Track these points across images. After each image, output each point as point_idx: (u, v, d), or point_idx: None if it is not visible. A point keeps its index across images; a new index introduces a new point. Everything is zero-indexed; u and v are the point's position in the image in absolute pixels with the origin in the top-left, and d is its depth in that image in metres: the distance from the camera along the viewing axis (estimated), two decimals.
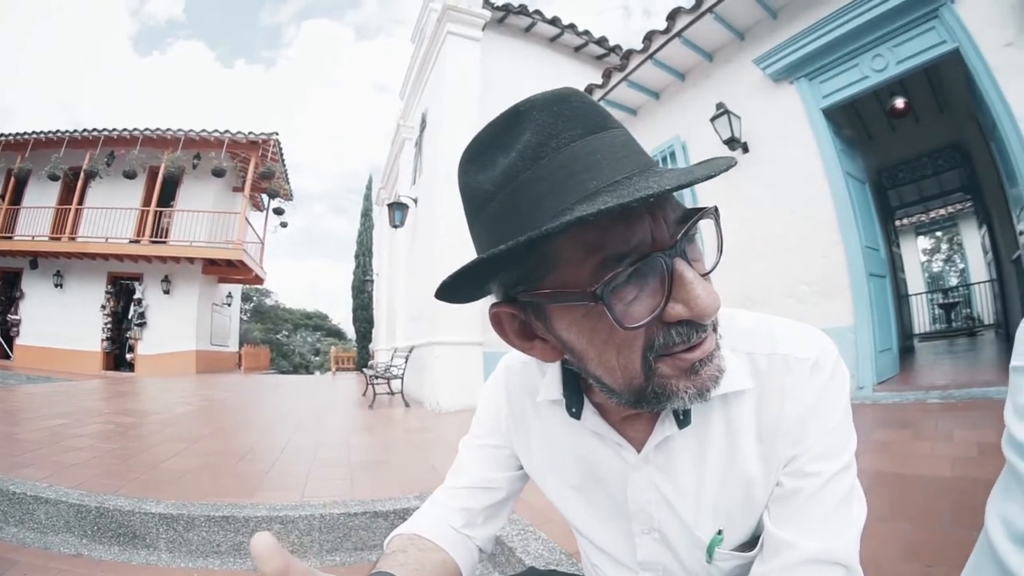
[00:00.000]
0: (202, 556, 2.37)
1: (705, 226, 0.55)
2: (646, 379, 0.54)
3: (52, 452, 3.56)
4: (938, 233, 16.25)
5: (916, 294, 12.01)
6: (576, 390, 0.69)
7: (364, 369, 11.38)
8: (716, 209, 0.54)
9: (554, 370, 0.72)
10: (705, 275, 0.54)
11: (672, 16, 6.03)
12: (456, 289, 0.57)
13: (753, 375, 0.63)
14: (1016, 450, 0.44)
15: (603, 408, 0.68)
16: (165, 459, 3.56)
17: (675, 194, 0.50)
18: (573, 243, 0.50)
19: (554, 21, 9.59)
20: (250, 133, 14.99)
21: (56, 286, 15.13)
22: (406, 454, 4.19)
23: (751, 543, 0.65)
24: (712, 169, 0.48)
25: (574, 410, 0.69)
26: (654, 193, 0.43)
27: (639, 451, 0.67)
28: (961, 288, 14.03)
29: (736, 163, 0.51)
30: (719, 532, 0.65)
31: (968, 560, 0.46)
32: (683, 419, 0.63)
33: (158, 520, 2.41)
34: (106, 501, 2.52)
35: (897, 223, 11.06)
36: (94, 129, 14.53)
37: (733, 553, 0.65)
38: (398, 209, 9.86)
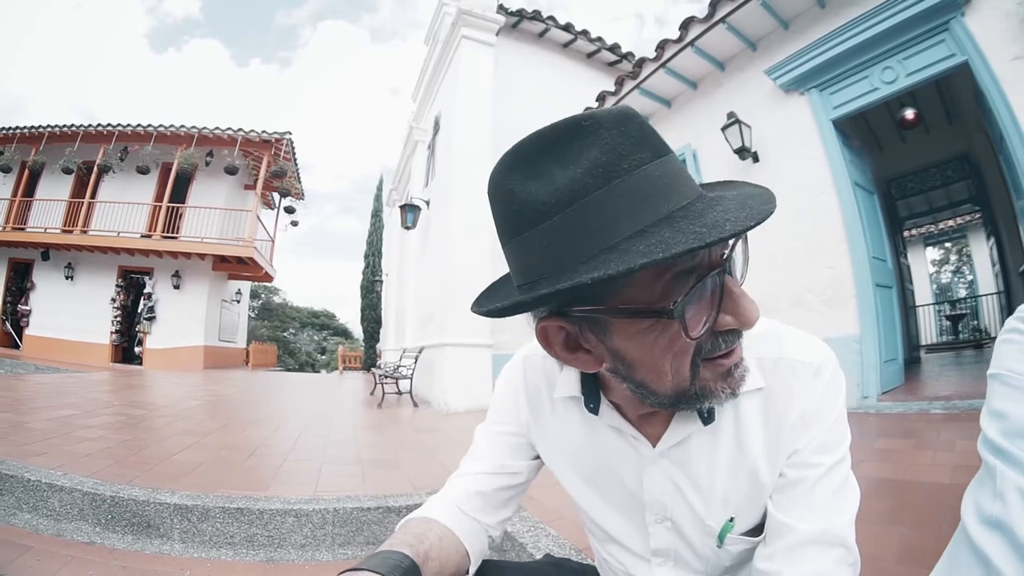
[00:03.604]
0: (215, 547, 2.41)
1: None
2: (692, 382, 0.59)
3: (65, 442, 3.60)
4: (947, 244, 16.19)
5: (923, 305, 11.97)
6: (593, 388, 0.74)
7: (373, 369, 11.46)
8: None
9: (571, 369, 0.75)
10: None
11: (685, 25, 6.06)
12: (513, 310, 0.59)
13: (762, 376, 0.69)
14: (988, 447, 0.50)
15: (620, 406, 0.73)
16: (176, 451, 3.61)
17: None
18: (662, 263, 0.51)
19: (567, 27, 9.65)
20: (263, 132, 15.07)
21: (67, 278, 15.25)
22: (416, 453, 4.23)
23: (757, 529, 0.71)
24: (764, 202, 0.55)
25: (592, 406, 0.74)
26: (739, 231, 0.49)
27: (654, 445, 0.72)
28: (969, 300, 13.98)
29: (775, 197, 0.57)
30: (731, 519, 0.71)
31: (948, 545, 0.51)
32: (708, 417, 0.69)
33: (173, 510, 2.45)
34: (121, 491, 2.56)
35: (906, 234, 11.04)
36: (108, 124, 14.66)
37: (742, 538, 0.71)
38: (410, 211, 9.92)
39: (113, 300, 15.39)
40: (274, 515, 2.48)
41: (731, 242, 0.57)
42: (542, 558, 1.05)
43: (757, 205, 0.54)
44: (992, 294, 11.47)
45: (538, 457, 0.89)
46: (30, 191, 15.29)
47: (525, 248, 0.57)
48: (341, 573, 0.59)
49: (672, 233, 0.50)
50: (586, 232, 0.52)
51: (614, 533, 0.83)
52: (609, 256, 0.50)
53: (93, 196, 14.89)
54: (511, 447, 0.88)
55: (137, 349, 15.39)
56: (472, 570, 0.79)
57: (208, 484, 2.83)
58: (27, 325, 15.26)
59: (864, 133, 7.56)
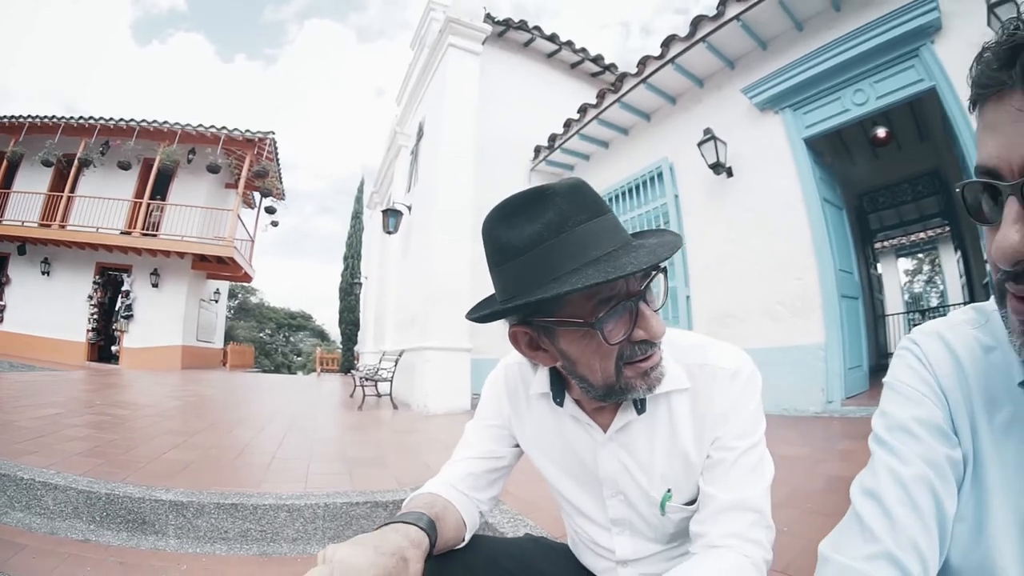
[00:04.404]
0: (209, 542, 2.50)
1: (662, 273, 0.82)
2: (616, 378, 0.80)
3: (54, 440, 3.64)
4: (919, 255, 16.57)
5: (894, 314, 12.27)
6: (560, 387, 0.95)
7: (353, 371, 11.48)
8: (665, 269, 0.81)
9: (543, 371, 0.97)
10: (657, 310, 0.81)
11: (667, 43, 6.24)
12: (491, 318, 0.84)
13: (689, 379, 0.89)
14: (873, 439, 0.67)
15: (579, 401, 0.94)
16: (166, 451, 3.67)
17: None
18: (580, 292, 0.72)
19: (552, 37, 9.79)
20: (246, 131, 14.99)
21: (43, 273, 15.00)
22: (399, 452, 4.33)
23: (694, 501, 0.89)
24: (669, 250, 0.76)
25: (558, 400, 0.95)
26: (637, 270, 0.70)
27: (605, 432, 0.92)
28: (940, 309, 14.32)
29: (681, 243, 0.80)
30: (668, 491, 0.90)
31: None
32: (640, 408, 0.90)
33: (168, 507, 2.53)
34: (116, 488, 2.62)
35: (878, 245, 11.35)
36: (91, 117, 14.43)
37: (681, 507, 0.90)
38: (392, 216, 9.97)
39: (90, 297, 15.16)
40: (267, 510, 2.58)
41: (653, 275, 0.79)
42: (523, 536, 1.24)
43: (662, 252, 0.75)
44: (959, 304, 11.79)
45: (518, 445, 1.09)
46: (7, 183, 14.96)
47: (503, 276, 0.81)
48: (381, 525, 0.77)
49: (594, 271, 0.72)
50: (542, 267, 0.75)
51: (580, 507, 1.02)
52: (553, 285, 0.73)
53: (72, 190, 14.61)
54: (496, 437, 1.08)
55: (114, 348, 15.23)
56: (467, 536, 0.97)
57: (200, 482, 2.91)
58: (1, 321, 14.98)
59: (838, 149, 7.81)
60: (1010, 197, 0.50)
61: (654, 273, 0.79)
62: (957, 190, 0.58)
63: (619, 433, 0.92)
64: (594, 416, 0.94)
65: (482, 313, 0.84)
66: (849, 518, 0.62)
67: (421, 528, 0.78)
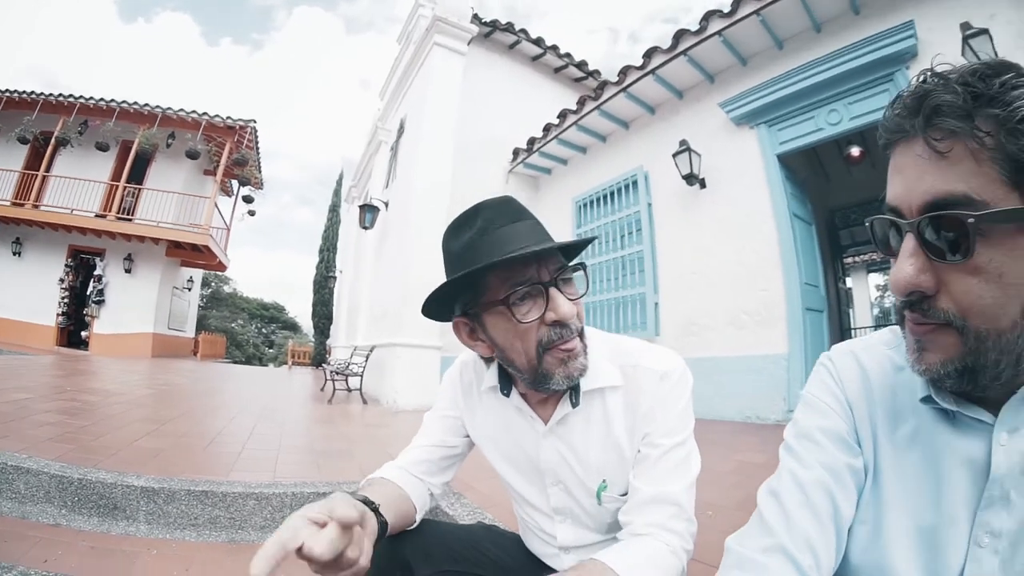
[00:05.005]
0: (179, 528, 2.54)
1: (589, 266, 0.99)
2: (538, 362, 0.91)
3: (25, 426, 3.61)
4: (890, 271, 16.90)
5: (863, 327, 12.53)
6: (507, 380, 1.05)
7: (324, 365, 11.45)
8: (583, 265, 0.96)
9: (494, 366, 1.07)
10: (576, 299, 0.93)
11: (648, 54, 6.37)
12: (432, 306, 0.98)
13: (623, 378, 0.98)
14: (783, 446, 0.74)
15: (525, 395, 1.05)
16: (137, 438, 3.68)
17: (559, 252, 0.94)
18: (496, 278, 0.89)
19: (538, 41, 9.87)
20: (228, 118, 14.80)
21: (14, 254, 14.67)
22: (367, 445, 4.38)
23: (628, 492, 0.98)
24: (570, 242, 0.94)
25: (505, 391, 1.06)
26: (526, 253, 0.86)
27: (546, 424, 1.02)
28: None
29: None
30: (603, 481, 0.99)
31: None
32: (575, 402, 0.99)
33: (139, 493, 2.55)
34: (88, 473, 2.62)
35: (848, 260, 11.60)
36: (70, 95, 14.12)
37: (616, 498, 0.99)
38: (369, 211, 9.97)
39: (62, 280, 14.89)
40: (236, 498, 2.62)
41: (564, 267, 0.93)
42: (475, 523, 1.34)
43: (560, 242, 0.91)
44: None
45: (469, 436, 1.20)
46: None
47: (449, 275, 0.94)
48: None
49: (501, 260, 0.85)
50: (469, 262, 0.88)
51: (525, 495, 1.12)
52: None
53: (48, 169, 14.31)
54: (450, 427, 1.19)
55: (84, 333, 14.97)
56: (418, 518, 1.08)
57: (171, 469, 2.93)
58: None
59: (812, 164, 7.99)
60: (907, 234, 0.56)
61: (568, 266, 0.93)
62: (866, 224, 0.65)
63: (558, 426, 1.01)
64: (537, 409, 1.04)
65: (424, 304, 0.97)
66: (754, 515, 0.69)
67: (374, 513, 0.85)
